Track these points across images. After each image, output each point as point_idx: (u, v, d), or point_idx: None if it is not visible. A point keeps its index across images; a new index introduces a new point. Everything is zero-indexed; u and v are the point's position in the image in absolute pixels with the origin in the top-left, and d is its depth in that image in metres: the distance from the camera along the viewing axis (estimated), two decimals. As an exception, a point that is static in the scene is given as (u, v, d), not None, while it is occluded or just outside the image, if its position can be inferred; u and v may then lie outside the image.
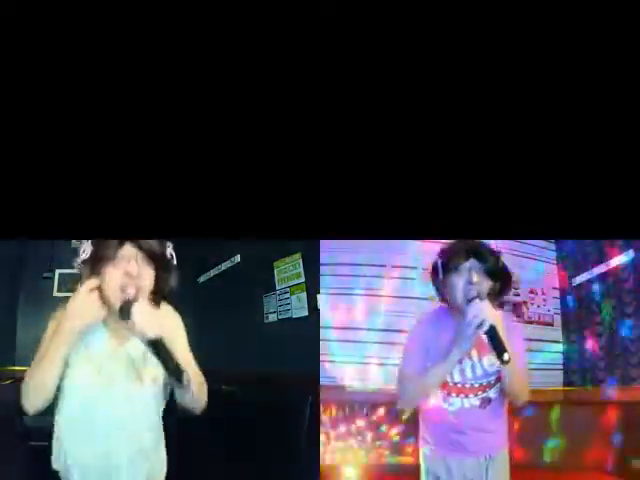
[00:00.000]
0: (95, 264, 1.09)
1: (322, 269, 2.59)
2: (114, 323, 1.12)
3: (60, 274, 3.63)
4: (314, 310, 2.57)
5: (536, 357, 2.94)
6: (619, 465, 2.22)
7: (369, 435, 2.71)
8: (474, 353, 1.24)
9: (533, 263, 3.06)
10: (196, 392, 1.11)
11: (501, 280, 1.26)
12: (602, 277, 2.73)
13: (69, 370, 1.10)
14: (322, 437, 2.49)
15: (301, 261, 2.72)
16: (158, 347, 1.01)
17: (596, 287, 2.79)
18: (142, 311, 1.03)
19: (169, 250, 1.16)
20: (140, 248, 1.11)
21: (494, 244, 1.33)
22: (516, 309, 2.99)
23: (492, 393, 1.27)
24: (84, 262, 1.11)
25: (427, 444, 1.35)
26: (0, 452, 2.41)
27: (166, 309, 1.19)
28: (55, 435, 1.15)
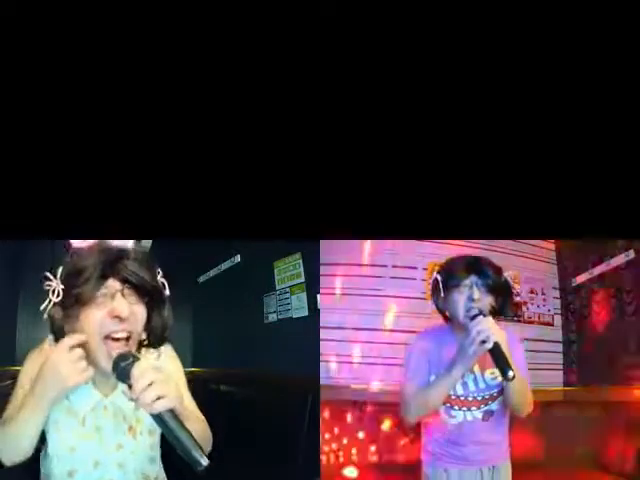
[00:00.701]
0: (70, 306, 0.87)
1: (322, 269, 2.59)
2: (98, 375, 0.92)
3: (60, 274, 3.63)
4: (314, 310, 2.57)
5: (536, 357, 2.93)
6: (619, 465, 2.22)
7: (369, 435, 2.71)
8: (476, 367, 1.24)
9: (533, 263, 3.06)
10: (204, 446, 0.87)
11: (503, 295, 1.25)
12: (602, 277, 2.73)
13: (51, 423, 0.93)
14: (322, 437, 2.48)
15: (301, 261, 2.71)
16: (165, 419, 0.80)
17: (596, 287, 2.79)
18: (145, 375, 0.81)
19: (160, 278, 0.95)
20: (126, 281, 0.89)
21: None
22: (516, 309, 2.99)
23: (494, 406, 1.27)
24: (55, 306, 0.88)
25: (429, 454, 1.36)
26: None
27: (165, 353, 1.01)
28: None
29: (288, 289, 2.83)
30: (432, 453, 1.34)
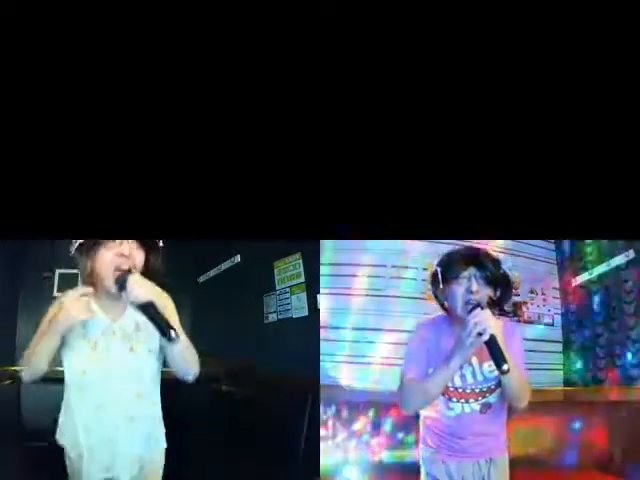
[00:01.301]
0: (89, 249, 1.20)
1: (322, 269, 2.59)
2: (108, 302, 1.23)
3: (60, 274, 3.63)
4: (314, 310, 2.57)
5: (536, 357, 2.94)
6: (619, 465, 2.22)
7: (369, 434, 2.71)
8: (474, 359, 1.25)
9: (533, 263, 3.06)
10: (187, 353, 1.23)
11: (501, 288, 1.25)
12: (602, 277, 2.73)
13: (68, 349, 1.21)
14: (322, 437, 2.49)
15: (301, 261, 2.72)
16: (150, 309, 1.12)
17: (596, 287, 2.79)
18: (136, 280, 1.14)
19: (161, 242, 1.30)
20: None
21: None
22: (516, 309, 3.00)
23: (492, 398, 1.28)
24: (80, 247, 1.22)
25: (427, 447, 1.36)
26: (0, 452, 2.41)
27: (157, 288, 1.23)
28: (62, 411, 1.27)
29: (288, 289, 2.83)
30: (430, 445, 1.35)
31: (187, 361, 1.25)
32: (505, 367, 1.11)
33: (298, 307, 2.73)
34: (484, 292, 1.21)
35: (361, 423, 2.70)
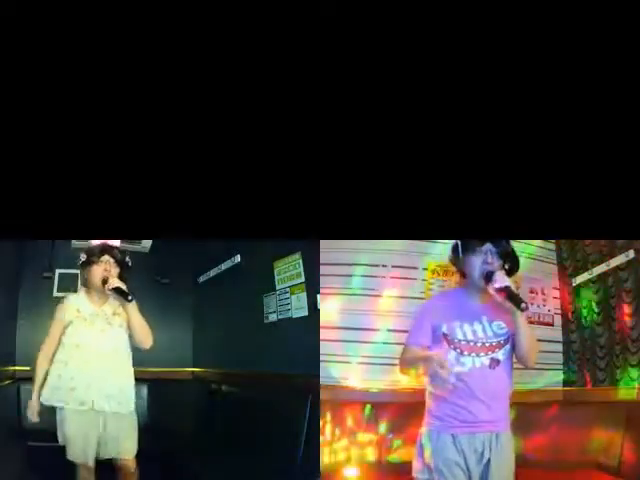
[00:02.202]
0: (86, 265, 1.96)
1: (322, 269, 2.59)
2: (96, 296, 1.99)
3: (60, 274, 3.62)
4: (314, 310, 2.56)
5: (536, 357, 2.93)
6: (619, 465, 2.22)
7: (369, 434, 2.71)
8: (484, 318, 1.46)
9: (533, 263, 3.06)
10: (142, 322, 1.95)
11: (510, 262, 1.48)
12: (602, 277, 2.73)
13: (70, 326, 1.95)
14: (322, 437, 2.49)
15: (301, 261, 2.71)
16: (120, 290, 1.87)
17: (596, 287, 2.79)
18: (113, 279, 1.89)
19: (127, 258, 2.00)
20: (112, 256, 1.95)
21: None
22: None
23: (501, 355, 1.45)
24: (81, 264, 1.98)
25: (435, 420, 1.46)
26: (0, 452, 2.41)
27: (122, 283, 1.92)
28: (56, 373, 1.92)
29: (288, 289, 2.83)
30: (439, 417, 1.45)
31: (142, 327, 1.95)
32: (524, 305, 1.35)
33: (298, 307, 2.73)
34: (497, 264, 1.44)
35: (361, 423, 2.70)
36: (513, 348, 1.47)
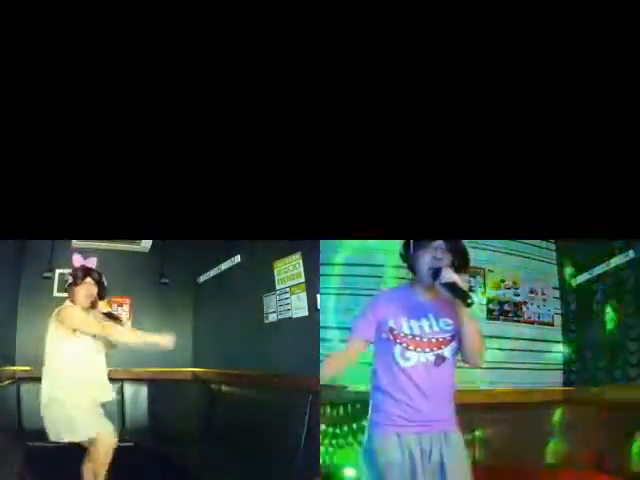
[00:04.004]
0: (72, 287, 2.32)
1: (322, 269, 2.59)
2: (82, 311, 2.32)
3: (60, 274, 3.62)
4: (314, 310, 2.57)
5: (536, 357, 2.93)
6: (619, 465, 2.22)
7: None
8: (431, 315, 1.46)
9: (533, 263, 3.06)
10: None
11: (460, 259, 1.47)
12: (602, 277, 2.73)
13: (61, 339, 2.25)
14: (322, 437, 2.49)
15: (301, 261, 2.72)
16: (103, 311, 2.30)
17: (596, 287, 2.79)
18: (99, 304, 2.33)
19: (103, 279, 2.36)
20: (93, 279, 2.31)
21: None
22: (516, 309, 3.00)
23: (446, 352, 1.44)
24: (68, 285, 2.34)
25: (380, 415, 1.46)
26: (0, 452, 2.40)
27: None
28: (49, 383, 2.21)
29: (288, 289, 2.83)
30: (383, 411, 1.44)
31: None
32: (470, 301, 1.35)
33: (298, 307, 2.73)
34: (446, 260, 1.44)
35: (360, 423, 2.70)
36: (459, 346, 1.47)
